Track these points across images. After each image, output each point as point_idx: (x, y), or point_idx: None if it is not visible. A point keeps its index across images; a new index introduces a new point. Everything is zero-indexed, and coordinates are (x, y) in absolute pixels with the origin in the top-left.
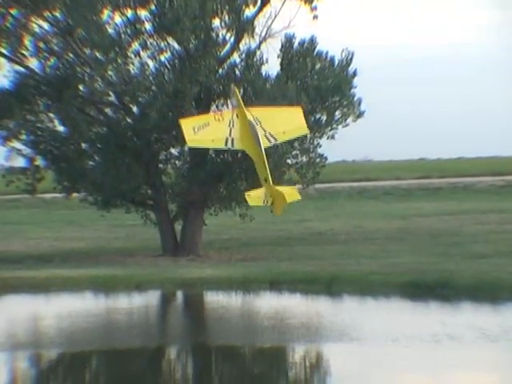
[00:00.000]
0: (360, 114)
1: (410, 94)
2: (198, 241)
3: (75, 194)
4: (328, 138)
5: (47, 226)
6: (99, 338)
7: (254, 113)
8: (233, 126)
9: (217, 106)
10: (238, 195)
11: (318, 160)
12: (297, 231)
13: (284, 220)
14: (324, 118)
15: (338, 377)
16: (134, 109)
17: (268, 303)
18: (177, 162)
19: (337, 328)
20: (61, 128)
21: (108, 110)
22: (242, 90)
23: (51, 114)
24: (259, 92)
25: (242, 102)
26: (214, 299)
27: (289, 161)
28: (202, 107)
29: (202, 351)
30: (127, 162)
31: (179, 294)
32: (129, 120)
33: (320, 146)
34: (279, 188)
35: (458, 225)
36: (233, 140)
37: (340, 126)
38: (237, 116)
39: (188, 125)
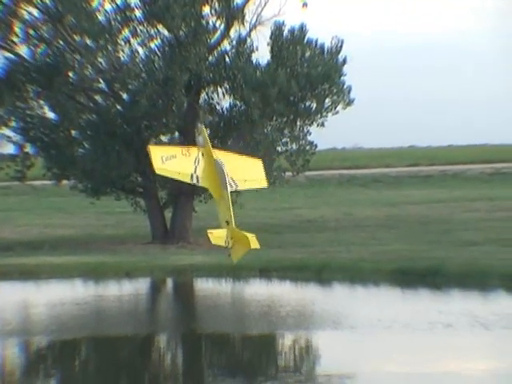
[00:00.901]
0: (350, 102)
1: (400, 82)
2: (188, 228)
3: (65, 182)
4: (318, 126)
5: (37, 213)
6: (89, 326)
7: (219, 154)
8: (198, 163)
9: (207, 94)
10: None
11: (307, 147)
12: (287, 219)
13: (274, 207)
14: (314, 105)
15: (329, 363)
16: (124, 96)
17: (258, 290)
18: None
19: (327, 315)
20: (51, 115)
21: (98, 98)
22: (232, 78)
23: (41, 101)
24: (249, 79)
25: (208, 141)
26: (204, 286)
27: (279, 148)
28: (192, 95)
29: (192, 339)
30: (117, 149)
31: (169, 282)
32: (119, 107)
33: (310, 134)
34: (242, 232)
35: (448, 212)
36: (197, 177)
37: (330, 114)
38: (202, 155)
39: (157, 153)
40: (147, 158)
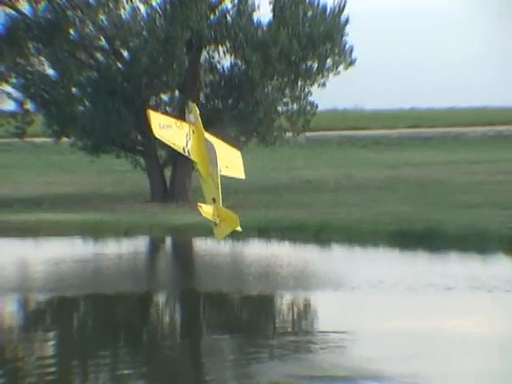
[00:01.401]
0: (351, 62)
1: (402, 43)
2: (188, 187)
3: (65, 139)
4: (319, 86)
5: (36, 170)
6: (88, 284)
7: (208, 136)
8: (189, 138)
9: (208, 53)
10: (228, 143)
11: (308, 108)
12: (286, 179)
13: (273, 168)
14: (315, 65)
15: (328, 324)
16: (125, 54)
17: (257, 251)
18: (167, 107)
19: (326, 276)
20: (51, 72)
21: (98, 55)
22: (233, 37)
23: (42, 58)
24: (250, 39)
25: (199, 119)
26: (203, 246)
27: (279, 108)
28: (193, 53)
29: (190, 297)
30: (117, 107)
31: (168, 241)
32: (119, 65)
33: (311, 94)
34: (228, 212)
35: (448, 175)
36: (189, 151)
37: (331, 74)
38: (192, 132)
39: (155, 119)
40: (145, 116)
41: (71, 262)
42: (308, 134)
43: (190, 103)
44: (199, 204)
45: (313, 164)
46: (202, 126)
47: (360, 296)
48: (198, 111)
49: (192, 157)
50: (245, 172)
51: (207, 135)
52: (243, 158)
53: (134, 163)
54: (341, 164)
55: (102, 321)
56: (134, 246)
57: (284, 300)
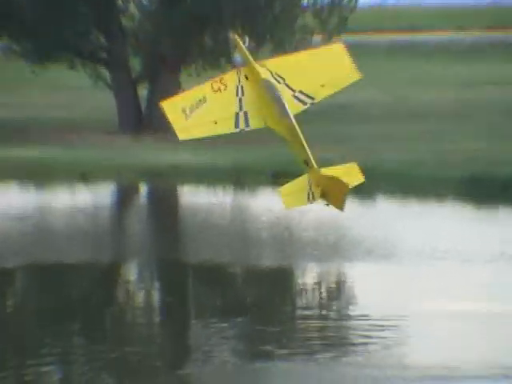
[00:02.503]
0: None
1: None
2: None
3: None
4: None
5: None
6: (28, 250)
7: (272, 67)
8: (242, 94)
9: None
10: (230, 48)
11: (345, 0)
12: (315, 103)
13: None
14: None
15: (366, 306)
16: None
17: (268, 204)
18: None
19: (366, 242)
20: None
21: None
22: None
23: None
24: None
25: (249, 54)
26: (193, 197)
27: (304, 0)
28: None
29: (172, 271)
30: None
31: (143, 188)
32: None
33: None
34: (332, 170)
35: None
36: (246, 115)
37: None
38: (246, 78)
39: (174, 108)
40: (112, 10)
41: (7, 219)
42: (344, 37)
43: (232, 35)
44: (279, 189)
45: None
46: (253, 63)
47: (416, 270)
48: (243, 45)
49: (253, 123)
50: None
51: (271, 64)
52: None
53: (94, 77)
54: (391, 81)
55: (46, 304)
56: (95, 196)
57: (305, 275)
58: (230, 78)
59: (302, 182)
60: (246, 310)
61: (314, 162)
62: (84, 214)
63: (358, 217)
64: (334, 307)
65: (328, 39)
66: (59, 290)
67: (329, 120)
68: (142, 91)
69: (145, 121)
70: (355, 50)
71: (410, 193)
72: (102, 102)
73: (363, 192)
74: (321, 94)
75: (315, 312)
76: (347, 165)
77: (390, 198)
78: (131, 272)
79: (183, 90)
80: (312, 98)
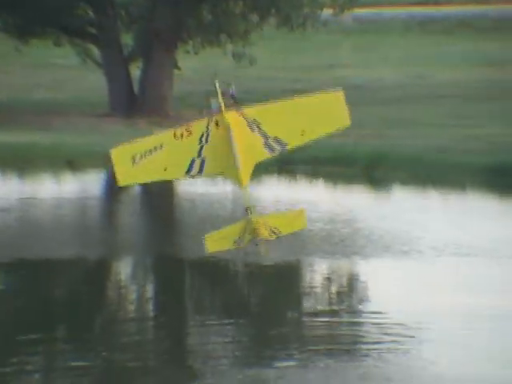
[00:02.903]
0: None
1: None
2: (167, 94)
3: None
4: None
5: None
6: (10, 245)
7: (253, 113)
8: (206, 141)
9: None
10: (232, 22)
11: None
12: (323, 83)
13: (302, 66)
14: None
15: (380, 304)
16: None
17: (276, 194)
18: None
19: (382, 235)
20: None
21: None
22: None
23: None
24: None
25: (222, 101)
26: (192, 187)
27: None
28: None
29: (168, 268)
30: None
31: None
32: None
33: None
34: (276, 217)
35: None
36: (203, 161)
37: None
38: (216, 125)
39: (122, 155)
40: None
41: None
42: (356, 11)
43: (214, 80)
44: (205, 236)
45: (364, 59)
46: (227, 112)
47: (434, 265)
48: (231, 91)
49: (208, 170)
50: (259, 71)
51: (255, 111)
52: (254, 48)
53: (82, 55)
54: (407, 59)
55: (30, 302)
56: (82, 186)
57: (315, 271)
58: (198, 125)
59: (231, 230)
60: (260, 308)
61: (254, 211)
62: (71, 206)
63: (370, 206)
64: (356, 304)
65: (339, 13)
66: (47, 287)
67: None
68: (135, 70)
69: (138, 103)
70: (367, 25)
71: (426, 182)
72: (90, 82)
73: (375, 179)
74: (296, 142)
75: (337, 310)
76: (294, 211)
77: (404, 187)
78: (122, 269)
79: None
80: (284, 145)
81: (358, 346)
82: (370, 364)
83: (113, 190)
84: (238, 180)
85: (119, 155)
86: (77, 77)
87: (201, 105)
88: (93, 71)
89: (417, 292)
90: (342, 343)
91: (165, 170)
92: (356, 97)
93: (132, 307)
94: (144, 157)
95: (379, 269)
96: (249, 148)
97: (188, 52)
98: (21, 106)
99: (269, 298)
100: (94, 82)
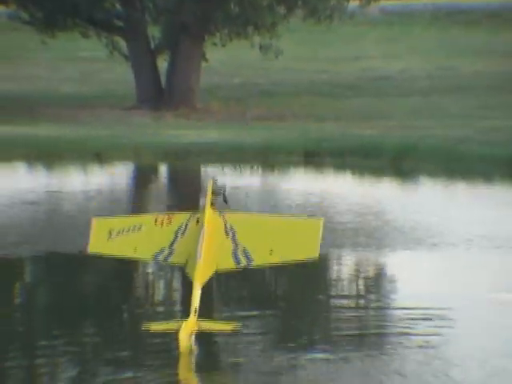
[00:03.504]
0: None
1: None
2: (194, 86)
3: (1, 8)
4: None
5: None
6: (40, 238)
7: (232, 220)
8: (182, 234)
9: None
10: (259, 14)
11: None
12: (349, 74)
13: (328, 57)
14: None
15: (411, 298)
16: None
17: (301, 186)
18: None
19: (410, 227)
20: None
21: None
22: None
23: None
24: None
25: (208, 200)
26: (218, 179)
27: None
28: None
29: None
30: None
31: (163, 169)
32: None
33: None
34: (210, 323)
35: None
36: (172, 251)
37: None
38: (197, 221)
39: (102, 226)
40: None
41: (16, 203)
42: (383, 3)
43: (211, 180)
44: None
45: (391, 50)
46: (213, 213)
47: (467, 257)
48: (209, 189)
49: (173, 260)
50: (284, 63)
51: (235, 217)
52: (282, 40)
53: (109, 47)
54: (436, 51)
55: (61, 295)
56: (110, 179)
57: (347, 263)
58: (180, 217)
59: (172, 325)
60: (288, 301)
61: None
62: (99, 197)
63: (398, 198)
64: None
65: (366, 5)
66: (73, 281)
67: (365, 94)
68: (162, 63)
69: (165, 96)
70: (395, 17)
71: (455, 173)
72: (117, 75)
73: (404, 171)
74: (263, 260)
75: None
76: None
77: (433, 179)
78: (149, 266)
79: (207, 61)
80: (250, 260)
81: (386, 339)
82: (397, 358)
83: (140, 182)
84: (193, 276)
85: (99, 226)
86: (103, 70)
87: (228, 97)
88: (120, 64)
89: (449, 285)
90: (370, 335)
91: (135, 249)
92: (383, 88)
93: (158, 300)
94: (120, 233)
95: (411, 261)
96: (217, 251)
97: (215, 44)
98: (47, 99)
99: (297, 290)
100: (120, 75)
